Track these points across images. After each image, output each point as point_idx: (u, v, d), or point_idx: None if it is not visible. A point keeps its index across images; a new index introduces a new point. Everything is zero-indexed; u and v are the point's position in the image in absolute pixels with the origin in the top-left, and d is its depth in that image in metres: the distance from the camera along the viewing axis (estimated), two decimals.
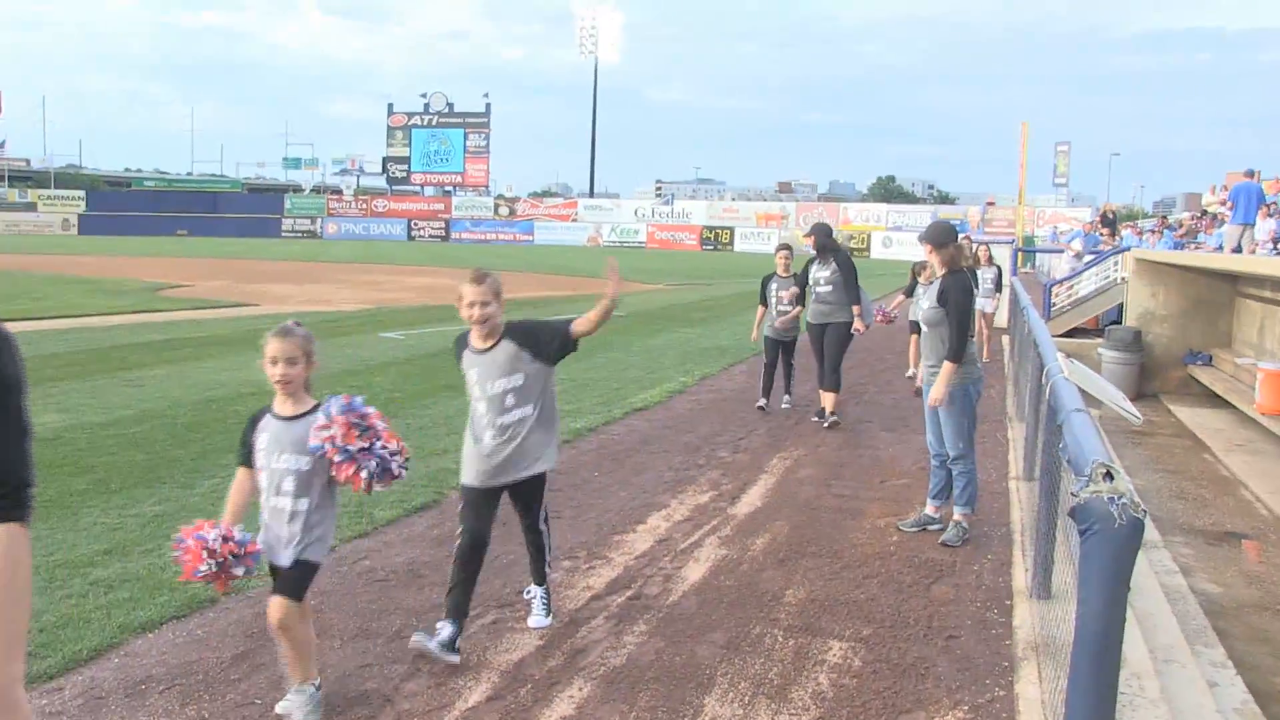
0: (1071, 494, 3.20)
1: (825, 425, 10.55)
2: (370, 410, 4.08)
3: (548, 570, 5.30)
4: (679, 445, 9.57)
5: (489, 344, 4.87)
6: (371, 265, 43.78)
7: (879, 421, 11.08)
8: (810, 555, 6.48)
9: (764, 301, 11.42)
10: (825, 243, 10.72)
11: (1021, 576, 6.06)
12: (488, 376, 4.85)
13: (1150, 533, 7.68)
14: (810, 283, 10.86)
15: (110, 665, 4.63)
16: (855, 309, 10.58)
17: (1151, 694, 4.49)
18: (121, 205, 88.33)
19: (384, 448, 4.03)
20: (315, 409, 4.13)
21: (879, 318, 12.64)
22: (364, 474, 3.99)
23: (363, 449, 4.00)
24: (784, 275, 11.20)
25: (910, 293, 12.99)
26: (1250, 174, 20.99)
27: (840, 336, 10.67)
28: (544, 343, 4.90)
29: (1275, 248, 18.86)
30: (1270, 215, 19.88)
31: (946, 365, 6.73)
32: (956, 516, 6.91)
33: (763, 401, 11.39)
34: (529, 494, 5.08)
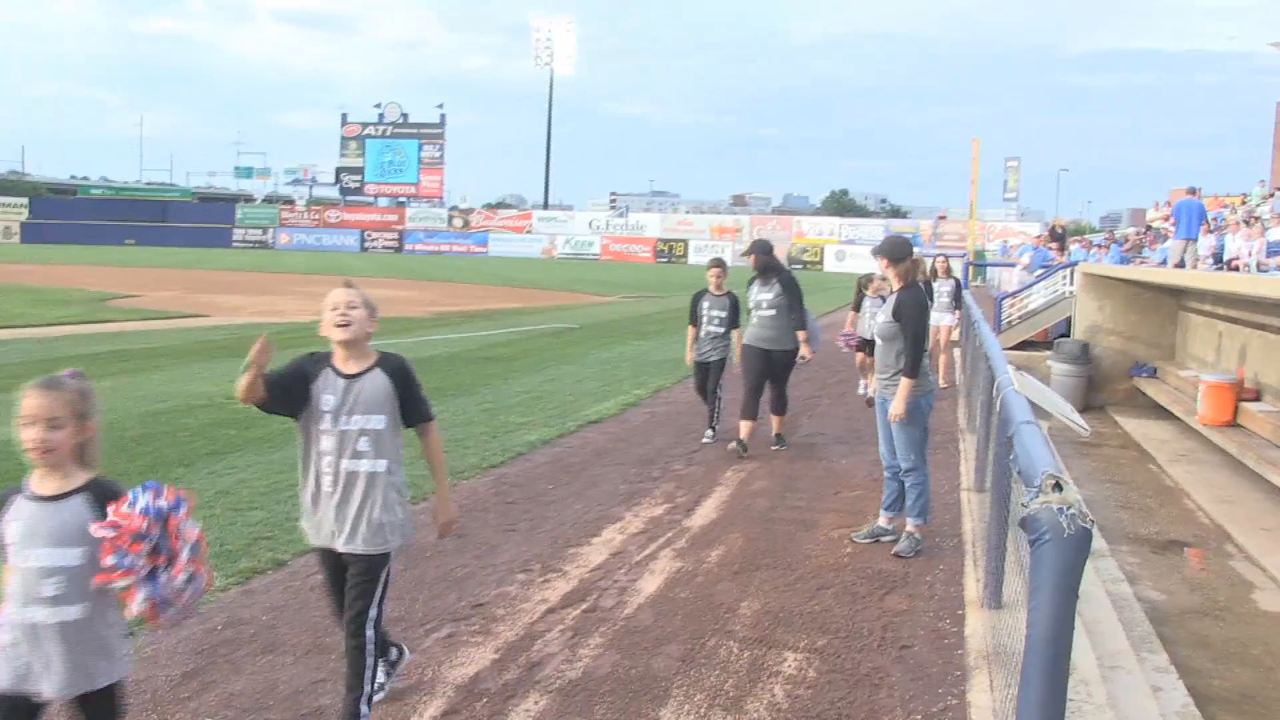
0: (1022, 505, 3.25)
1: (783, 448, 10.10)
2: (180, 513, 3.05)
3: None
4: (633, 458, 9.59)
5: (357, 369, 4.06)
6: (324, 276, 43.45)
7: (832, 434, 11.16)
8: (765, 567, 6.51)
9: (694, 321, 10.35)
10: (767, 261, 10.01)
11: (973, 586, 6.13)
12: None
13: (1097, 542, 7.80)
14: (751, 305, 9.96)
15: None
16: (802, 335, 9.79)
17: (1099, 699, 4.57)
18: (67, 213, 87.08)
19: (171, 581, 3.01)
20: (88, 486, 3.12)
21: (845, 344, 12.59)
22: (139, 597, 2.98)
23: (144, 567, 2.97)
24: (717, 294, 10.24)
25: (858, 307, 12.95)
26: (1192, 191, 21.45)
27: (786, 364, 9.97)
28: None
29: (1216, 263, 19.25)
30: (1211, 231, 20.30)
31: (905, 381, 6.77)
32: (909, 528, 6.97)
33: (710, 434, 10.42)
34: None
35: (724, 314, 10.24)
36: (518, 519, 7.35)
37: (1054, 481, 3.21)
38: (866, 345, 10.22)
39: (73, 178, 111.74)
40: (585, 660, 4.98)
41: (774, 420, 10.23)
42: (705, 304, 10.33)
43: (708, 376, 10.34)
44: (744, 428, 9.74)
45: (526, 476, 8.61)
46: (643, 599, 5.86)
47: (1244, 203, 21.38)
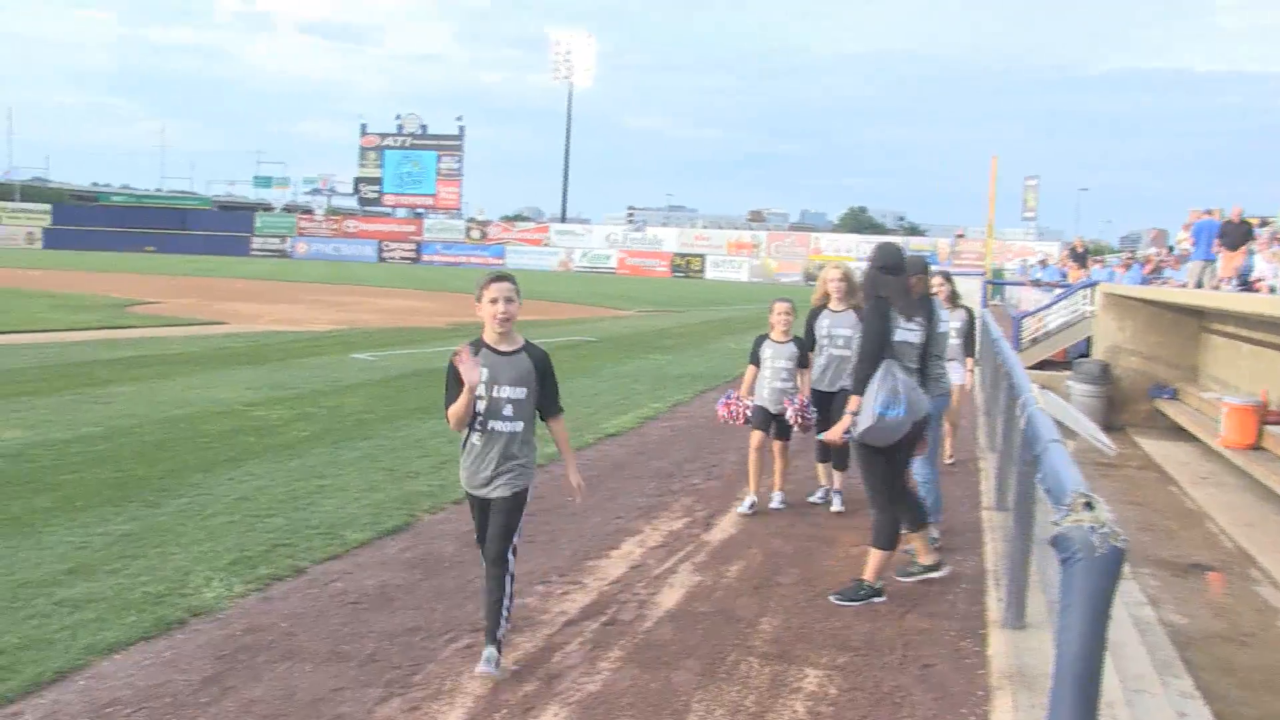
0: (1052, 523, 3.22)
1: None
2: None
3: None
4: (652, 471, 9.56)
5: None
6: (342, 286, 43.58)
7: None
8: (785, 583, 6.47)
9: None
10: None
11: (995, 606, 6.07)
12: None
13: None
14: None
15: (75, 688, 4.54)
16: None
17: None
18: (88, 220, 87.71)
19: None
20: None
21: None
22: None
23: None
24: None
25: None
26: (1209, 212, 21.36)
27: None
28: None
29: (1242, 284, 19.14)
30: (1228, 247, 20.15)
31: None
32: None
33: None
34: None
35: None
36: (536, 531, 7.32)
37: (1084, 500, 3.18)
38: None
39: (95, 185, 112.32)
40: (605, 673, 4.95)
41: (836, 475, 8.58)
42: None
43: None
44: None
45: (545, 489, 8.56)
46: (662, 613, 5.83)
47: (1263, 224, 21.28)
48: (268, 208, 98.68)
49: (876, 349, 6.04)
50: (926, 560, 6.56)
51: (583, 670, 4.97)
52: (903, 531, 6.38)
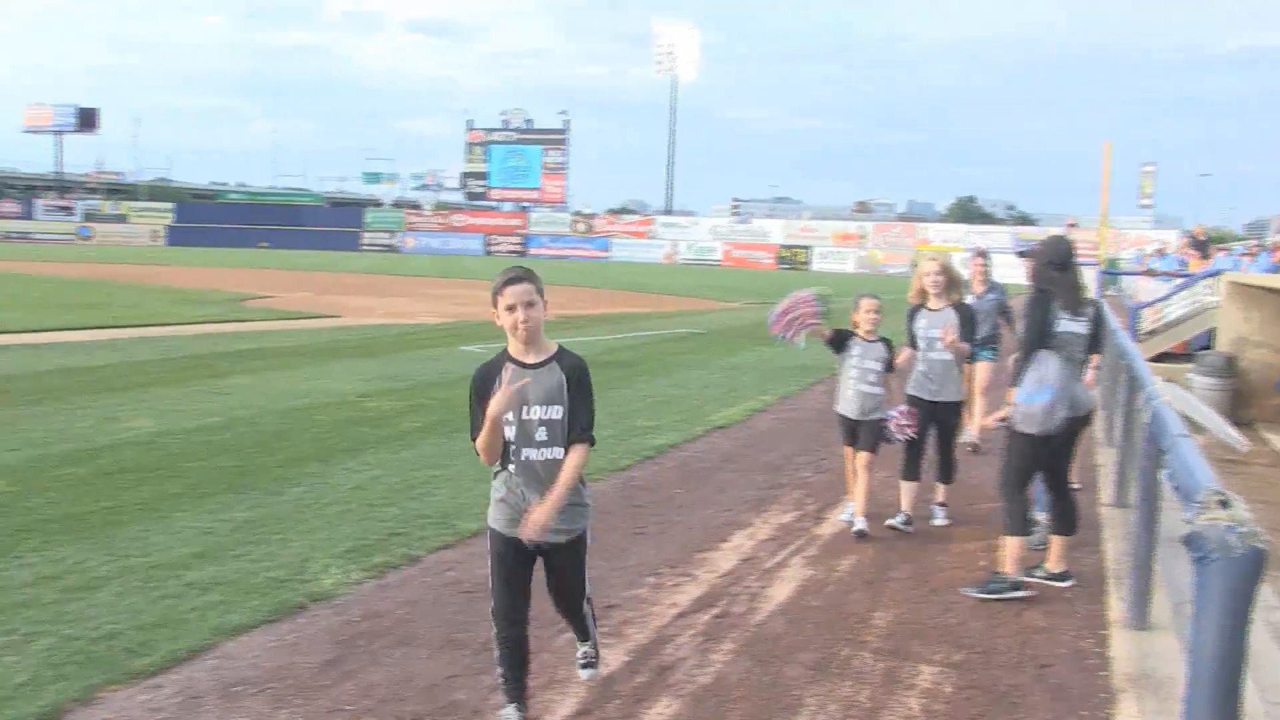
0: (1185, 521, 3.11)
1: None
2: None
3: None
4: (761, 464, 9.51)
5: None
6: (450, 280, 44.24)
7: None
8: (897, 578, 6.39)
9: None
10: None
11: (1116, 605, 5.91)
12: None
13: None
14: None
15: (205, 666, 4.71)
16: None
17: None
18: (207, 218, 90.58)
19: None
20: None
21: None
22: None
23: None
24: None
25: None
26: None
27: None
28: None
29: None
30: None
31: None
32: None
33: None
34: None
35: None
36: (646, 522, 7.34)
37: (1220, 498, 3.06)
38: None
39: (212, 184, 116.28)
40: (716, 665, 4.94)
41: (939, 488, 7.98)
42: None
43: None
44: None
45: (654, 480, 8.61)
46: (774, 606, 5.80)
47: None
48: (377, 203, 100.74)
49: (1034, 342, 6.02)
50: (1056, 568, 6.38)
51: (694, 662, 4.97)
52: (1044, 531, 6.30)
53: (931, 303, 7.53)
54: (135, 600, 5.41)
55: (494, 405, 3.87)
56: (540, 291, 4.02)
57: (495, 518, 4.16)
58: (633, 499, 8.01)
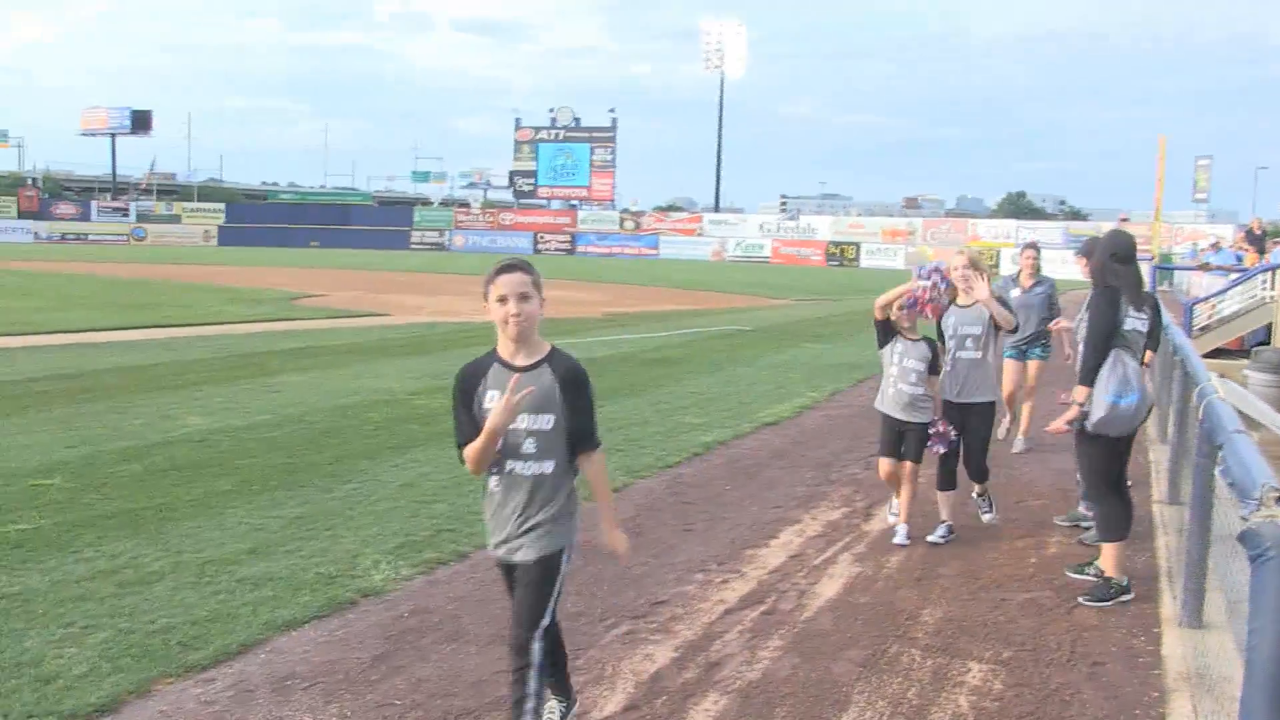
0: (1240, 518, 3.06)
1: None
2: None
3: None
4: (810, 461, 9.48)
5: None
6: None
7: (1014, 442, 10.78)
8: (946, 575, 6.34)
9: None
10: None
11: (1169, 603, 5.83)
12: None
13: None
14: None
15: (257, 660, 4.78)
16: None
17: None
18: (258, 217, 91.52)
19: None
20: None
21: None
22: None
23: None
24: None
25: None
26: None
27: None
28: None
29: None
30: None
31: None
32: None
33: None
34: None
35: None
36: (694, 519, 7.35)
37: (1277, 494, 3.01)
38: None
39: (263, 184, 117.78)
40: (765, 662, 4.94)
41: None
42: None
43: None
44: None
45: (703, 477, 8.61)
46: (822, 602, 5.78)
47: None
48: (426, 202, 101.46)
49: (1105, 338, 5.90)
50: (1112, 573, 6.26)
51: (742, 659, 4.97)
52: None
53: (961, 299, 7.21)
54: (188, 595, 5.51)
55: (494, 417, 3.55)
56: (538, 285, 3.68)
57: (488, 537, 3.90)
58: (681, 495, 8.01)
